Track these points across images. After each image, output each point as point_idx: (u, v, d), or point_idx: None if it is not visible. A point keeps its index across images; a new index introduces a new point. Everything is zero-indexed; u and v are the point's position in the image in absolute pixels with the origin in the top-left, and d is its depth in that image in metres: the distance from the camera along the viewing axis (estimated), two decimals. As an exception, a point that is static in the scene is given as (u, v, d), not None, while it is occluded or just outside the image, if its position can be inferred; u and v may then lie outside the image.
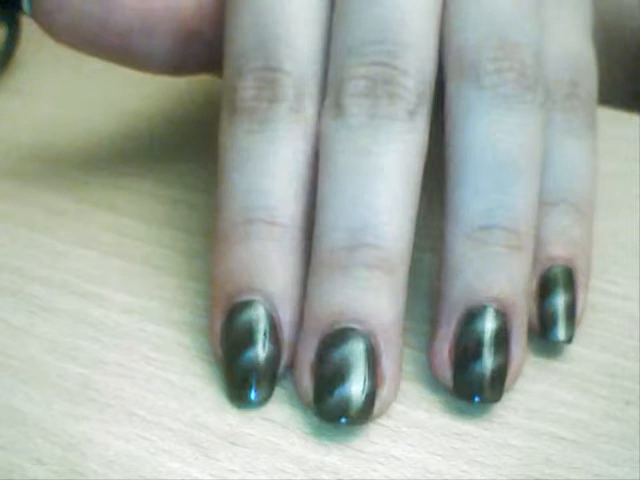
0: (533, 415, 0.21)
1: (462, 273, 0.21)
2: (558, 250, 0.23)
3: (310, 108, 0.22)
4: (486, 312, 0.21)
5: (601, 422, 0.21)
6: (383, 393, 0.20)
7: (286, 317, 0.21)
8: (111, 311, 0.23)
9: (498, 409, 0.21)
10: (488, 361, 0.20)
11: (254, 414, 0.21)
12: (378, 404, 0.20)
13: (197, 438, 0.20)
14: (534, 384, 0.22)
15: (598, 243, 0.26)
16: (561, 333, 0.22)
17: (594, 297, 0.24)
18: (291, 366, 0.21)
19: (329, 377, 0.20)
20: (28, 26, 0.35)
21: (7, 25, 0.35)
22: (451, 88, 0.22)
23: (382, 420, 0.21)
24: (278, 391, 0.21)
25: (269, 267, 0.21)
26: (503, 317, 0.21)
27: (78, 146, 0.30)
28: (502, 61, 0.22)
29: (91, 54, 0.25)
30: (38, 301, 0.24)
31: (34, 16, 0.25)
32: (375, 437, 0.20)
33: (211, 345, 0.22)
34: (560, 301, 0.22)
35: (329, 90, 0.22)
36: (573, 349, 0.23)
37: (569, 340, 0.22)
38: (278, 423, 0.21)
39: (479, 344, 0.21)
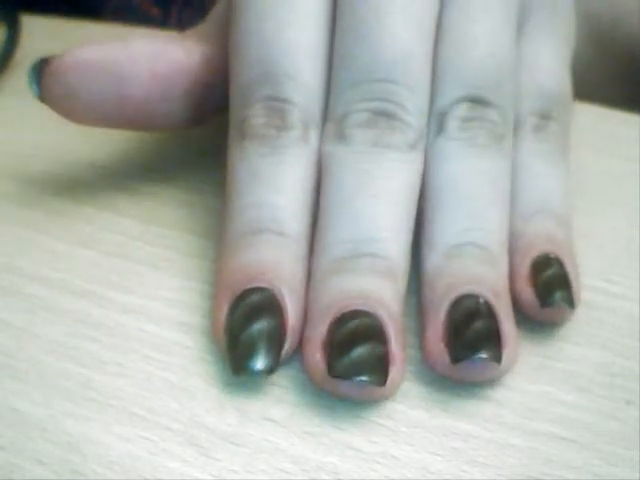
0: (533, 415, 0.21)
1: (441, 277, 0.22)
2: (545, 247, 0.23)
3: (315, 136, 0.23)
4: (470, 297, 0.21)
5: (601, 422, 0.21)
6: (392, 372, 0.20)
7: (293, 305, 0.21)
8: (111, 311, 0.23)
9: (498, 409, 0.21)
10: (480, 322, 0.21)
11: (254, 414, 0.21)
12: (388, 382, 0.20)
13: (197, 438, 0.20)
14: (534, 384, 0.22)
15: (598, 243, 0.26)
16: (559, 296, 0.22)
17: (594, 296, 0.24)
18: (293, 356, 0.21)
19: (342, 343, 0.20)
20: (28, 26, 0.35)
21: (7, 25, 0.35)
22: (429, 136, 0.23)
23: (382, 420, 0.21)
24: (278, 390, 0.21)
25: (276, 264, 0.22)
26: (487, 302, 0.21)
27: (78, 146, 0.30)
28: (472, 121, 0.23)
29: (112, 128, 0.26)
30: (38, 301, 0.24)
31: (46, 102, 0.25)
32: (375, 437, 0.20)
33: (214, 333, 0.22)
34: (553, 272, 0.23)
35: (330, 121, 0.23)
36: (573, 349, 0.23)
37: (570, 304, 0.22)
38: (278, 423, 0.21)
39: (469, 314, 0.21)
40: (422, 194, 0.23)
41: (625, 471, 0.20)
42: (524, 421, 0.21)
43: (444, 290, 0.22)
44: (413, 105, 0.23)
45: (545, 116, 0.25)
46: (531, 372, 0.22)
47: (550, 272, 0.23)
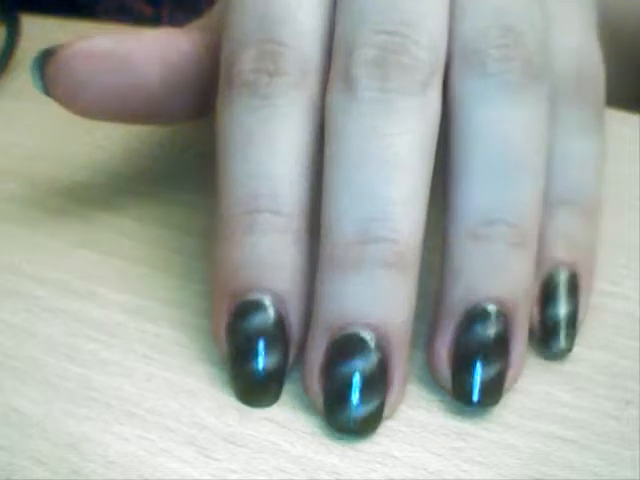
0: (533, 415, 0.21)
1: (463, 272, 0.21)
2: (562, 254, 0.22)
3: (315, 83, 0.21)
4: (486, 314, 0.20)
5: (601, 422, 0.21)
6: (391, 398, 0.20)
7: (295, 315, 0.21)
8: (111, 311, 0.23)
9: (498, 409, 0.21)
10: (487, 367, 0.20)
11: (254, 414, 0.21)
12: (387, 410, 0.20)
13: (197, 438, 0.20)
14: (534, 384, 0.22)
15: (599, 244, 0.26)
16: (561, 344, 0.22)
17: (595, 297, 0.24)
18: (298, 363, 0.21)
19: (339, 393, 0.20)
20: (28, 26, 0.35)
21: (7, 25, 0.35)
22: (455, 77, 0.21)
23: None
24: (278, 391, 0.21)
25: (276, 263, 0.20)
26: (504, 319, 0.20)
27: (78, 147, 0.30)
28: (507, 49, 0.21)
29: (119, 121, 0.25)
30: (38, 301, 0.23)
31: (52, 95, 0.24)
32: (375, 437, 0.20)
33: (215, 341, 0.22)
34: (562, 311, 0.22)
35: (336, 59, 0.21)
36: (573, 349, 0.23)
37: (569, 350, 0.22)
38: (278, 423, 0.20)
39: (478, 349, 0.20)
40: (447, 141, 0.21)
41: (625, 471, 0.20)
42: (524, 421, 0.21)
43: (462, 293, 0.21)
44: (426, 38, 0.21)
45: (581, 76, 0.23)
46: (531, 372, 0.22)
47: (559, 311, 0.22)
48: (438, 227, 0.22)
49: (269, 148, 0.21)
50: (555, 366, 0.22)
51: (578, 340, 0.23)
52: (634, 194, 0.28)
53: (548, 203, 0.22)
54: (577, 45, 0.24)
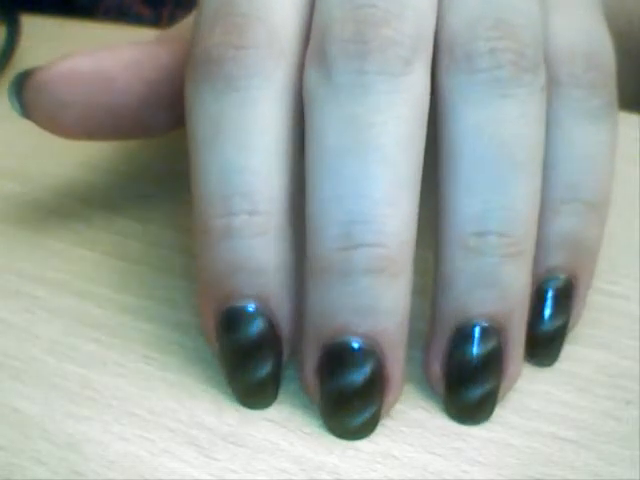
0: (533, 415, 0.21)
1: (453, 285, 0.19)
2: (562, 258, 0.21)
3: (291, 60, 0.19)
4: (476, 333, 0.20)
5: (601, 422, 0.21)
6: (388, 399, 0.20)
7: (284, 316, 0.20)
8: (111, 311, 0.23)
9: (498, 409, 0.21)
10: (477, 387, 0.20)
11: (254, 414, 0.21)
12: (384, 410, 0.20)
13: (197, 438, 0.20)
14: (534, 384, 0.22)
15: (598, 243, 0.26)
16: (545, 360, 0.22)
17: (594, 297, 0.24)
18: (293, 358, 0.21)
19: (333, 404, 0.20)
20: (28, 26, 0.35)
21: (7, 25, 0.35)
22: (442, 74, 0.20)
23: (382, 420, 0.21)
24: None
25: (257, 267, 0.19)
26: (497, 334, 0.20)
27: (78, 147, 0.30)
28: (497, 41, 0.19)
29: (101, 140, 0.25)
30: (38, 301, 0.23)
31: (32, 118, 0.23)
32: (375, 437, 0.20)
33: (209, 344, 0.22)
34: (550, 327, 0.21)
35: (312, 36, 0.19)
36: (573, 349, 0.23)
37: (551, 364, 0.22)
38: (278, 423, 0.20)
39: (468, 369, 0.20)
40: (437, 142, 0.20)
41: (625, 471, 0.20)
42: (524, 421, 0.21)
43: (453, 307, 0.20)
44: (411, 11, 0.19)
45: (592, 54, 0.21)
46: (531, 372, 0.22)
47: (549, 326, 0.21)
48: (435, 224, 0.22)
49: (239, 139, 0.19)
50: (555, 366, 0.22)
51: (578, 340, 0.23)
52: (634, 194, 0.28)
53: (551, 199, 0.21)
54: (585, 26, 0.22)
